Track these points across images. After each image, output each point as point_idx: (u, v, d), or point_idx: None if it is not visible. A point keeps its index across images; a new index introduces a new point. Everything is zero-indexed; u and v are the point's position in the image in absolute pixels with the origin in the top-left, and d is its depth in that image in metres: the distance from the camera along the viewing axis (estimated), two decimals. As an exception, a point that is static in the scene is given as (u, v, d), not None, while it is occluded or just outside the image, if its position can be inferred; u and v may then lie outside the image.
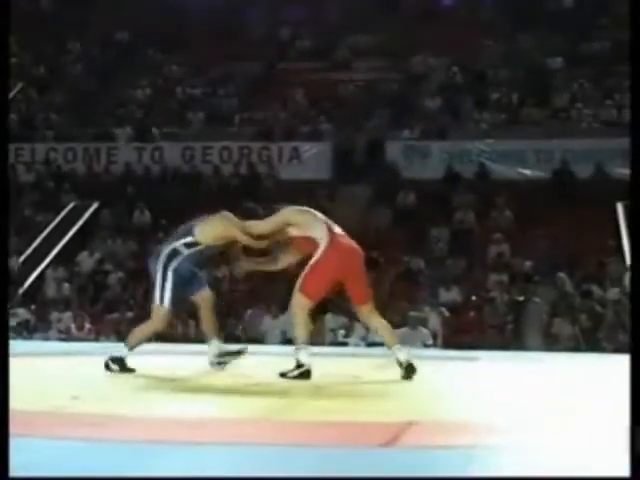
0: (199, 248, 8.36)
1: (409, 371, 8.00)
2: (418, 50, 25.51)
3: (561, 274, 17.52)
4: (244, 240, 8.31)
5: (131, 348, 8.40)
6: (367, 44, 26.40)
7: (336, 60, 26.32)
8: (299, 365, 7.91)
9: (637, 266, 5.43)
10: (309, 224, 8.18)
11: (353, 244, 8.26)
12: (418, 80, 25.21)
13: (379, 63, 25.95)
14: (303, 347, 7.99)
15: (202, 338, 8.78)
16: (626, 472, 4.07)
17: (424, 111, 24.25)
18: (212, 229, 8.37)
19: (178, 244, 8.36)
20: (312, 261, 8.04)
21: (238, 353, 8.60)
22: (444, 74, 25.22)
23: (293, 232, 8.25)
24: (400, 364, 8.04)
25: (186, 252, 8.33)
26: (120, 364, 8.32)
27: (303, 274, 8.03)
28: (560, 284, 17.36)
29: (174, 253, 8.33)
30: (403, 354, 8.11)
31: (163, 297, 8.29)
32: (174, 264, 8.30)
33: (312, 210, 8.40)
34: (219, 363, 8.52)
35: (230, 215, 8.44)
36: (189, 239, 8.34)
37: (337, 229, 8.26)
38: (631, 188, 5.47)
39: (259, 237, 8.32)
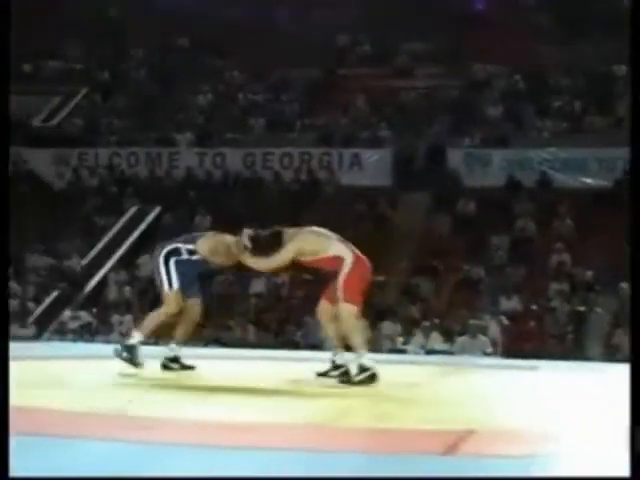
0: (199, 257, 8.62)
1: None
2: (479, 57, 25.42)
3: (623, 284, 17.33)
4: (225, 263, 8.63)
5: (143, 335, 8.57)
6: (427, 51, 26.34)
7: (397, 66, 26.29)
8: (365, 369, 7.95)
9: (637, 271, 5.39)
10: (323, 246, 8.24)
11: (365, 257, 8.35)
12: (479, 87, 25.12)
13: (440, 70, 25.88)
14: (363, 353, 8.01)
15: (262, 343, 8.81)
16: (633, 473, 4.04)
17: (485, 119, 24.15)
18: (209, 246, 8.61)
19: (180, 245, 8.69)
20: (344, 273, 8.11)
21: (190, 367, 8.64)
22: (506, 81, 25.10)
23: (307, 258, 8.29)
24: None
25: (186, 256, 8.62)
26: (130, 352, 8.46)
27: (340, 286, 8.10)
28: (622, 294, 17.19)
29: (175, 251, 8.66)
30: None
31: (171, 281, 8.59)
32: (174, 258, 8.61)
33: (318, 230, 8.43)
34: (166, 366, 8.62)
35: (231, 240, 8.53)
36: (190, 246, 8.64)
37: (351, 245, 8.36)
38: (632, 189, 5.44)
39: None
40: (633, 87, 5.91)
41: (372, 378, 7.90)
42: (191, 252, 8.64)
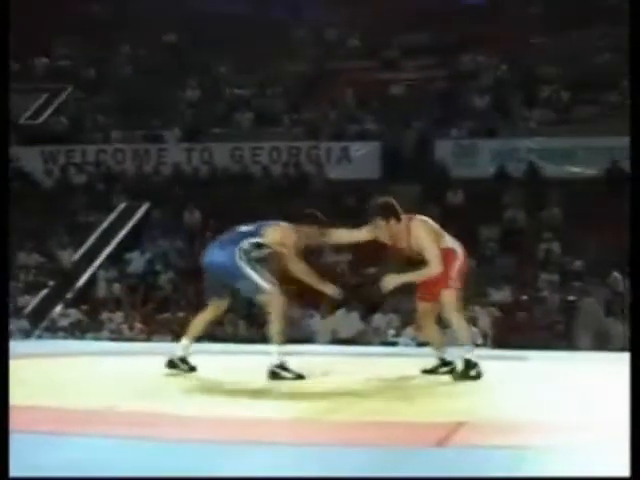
0: (267, 251, 8.28)
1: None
2: (466, 48, 25.44)
3: (616, 274, 17.35)
4: (291, 259, 8.26)
5: (279, 342, 8.06)
6: (415, 43, 26.34)
7: (384, 59, 26.29)
8: (472, 364, 8.01)
9: (637, 265, 5.40)
10: (441, 236, 8.32)
11: None
12: (466, 78, 25.13)
13: (427, 62, 25.89)
14: (470, 347, 8.10)
15: (252, 338, 8.76)
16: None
17: (473, 109, 24.16)
18: (280, 235, 8.26)
19: (246, 244, 8.21)
20: (457, 265, 8.16)
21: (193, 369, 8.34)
22: (493, 72, 25.12)
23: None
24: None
25: (254, 253, 8.23)
26: (287, 369, 8.03)
27: (453, 276, 8.10)
28: (613, 283, 17.22)
29: (245, 251, 8.20)
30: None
31: (261, 282, 8.14)
32: (251, 258, 8.19)
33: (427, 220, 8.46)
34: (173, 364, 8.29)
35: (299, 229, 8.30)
36: (257, 240, 8.24)
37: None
38: (632, 187, 5.44)
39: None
40: (632, 81, 5.91)
41: (478, 375, 7.97)
42: (259, 246, 8.24)
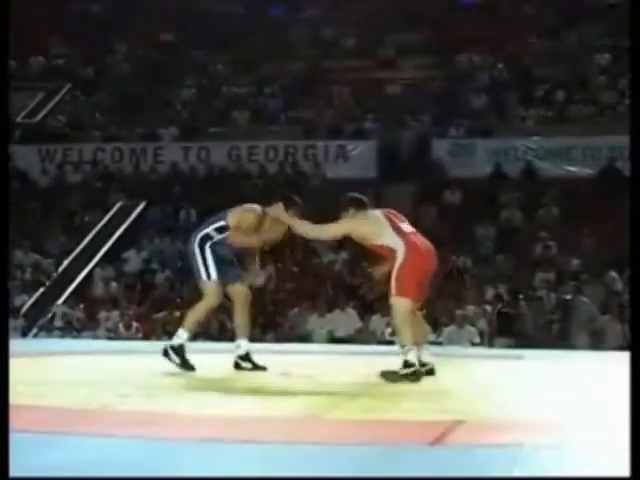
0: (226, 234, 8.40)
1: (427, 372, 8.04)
2: (463, 47, 25.45)
3: (612, 273, 17.36)
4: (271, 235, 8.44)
5: (189, 331, 8.34)
6: (411, 42, 26.36)
7: (381, 58, 26.30)
8: (409, 364, 7.81)
9: (637, 265, 5.40)
10: (377, 234, 8.06)
11: (427, 243, 8.16)
12: (464, 77, 25.14)
13: (424, 61, 25.90)
14: (414, 348, 7.88)
15: (250, 336, 8.73)
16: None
17: (470, 109, 24.17)
18: (244, 216, 8.39)
19: (210, 229, 8.43)
20: (397, 266, 7.94)
21: (262, 368, 8.43)
22: (489, 71, 25.14)
23: (359, 241, 8.25)
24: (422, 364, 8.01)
25: (217, 237, 8.38)
26: (180, 355, 8.28)
27: (392, 279, 7.96)
28: (610, 283, 17.22)
29: (206, 237, 8.39)
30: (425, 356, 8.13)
31: (209, 272, 8.32)
32: (208, 245, 8.35)
33: (376, 214, 8.21)
34: (237, 365, 8.46)
35: (272, 208, 8.40)
36: (221, 223, 8.39)
37: (406, 227, 8.15)
38: (631, 188, 5.44)
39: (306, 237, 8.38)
40: (633, 77, 5.92)
41: (415, 375, 7.78)
42: (221, 229, 8.38)
